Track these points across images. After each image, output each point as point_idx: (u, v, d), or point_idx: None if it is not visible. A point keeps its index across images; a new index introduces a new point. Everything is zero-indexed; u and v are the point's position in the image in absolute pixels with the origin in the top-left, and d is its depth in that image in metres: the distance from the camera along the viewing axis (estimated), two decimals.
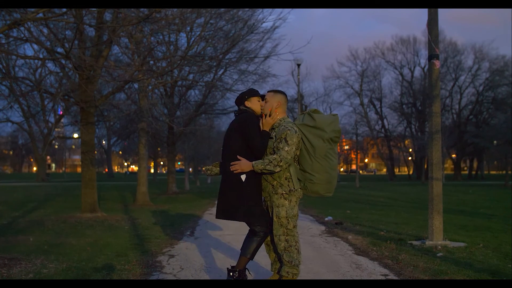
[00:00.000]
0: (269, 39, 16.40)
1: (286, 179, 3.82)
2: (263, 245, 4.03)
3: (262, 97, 4.09)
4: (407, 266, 5.04)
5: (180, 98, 19.12)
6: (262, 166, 3.71)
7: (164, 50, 13.21)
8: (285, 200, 3.80)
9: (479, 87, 45.61)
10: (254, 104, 4.07)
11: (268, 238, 3.96)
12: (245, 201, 3.84)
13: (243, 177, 3.85)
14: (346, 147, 52.42)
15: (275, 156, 3.70)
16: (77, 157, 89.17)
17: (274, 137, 3.82)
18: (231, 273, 3.94)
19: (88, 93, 9.68)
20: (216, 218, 4.02)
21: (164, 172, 57.59)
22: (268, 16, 42.28)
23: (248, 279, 4.12)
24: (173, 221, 9.46)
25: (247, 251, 3.92)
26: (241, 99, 4.10)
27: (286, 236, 3.78)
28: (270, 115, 3.90)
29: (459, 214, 11.10)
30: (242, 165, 3.77)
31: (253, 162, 3.75)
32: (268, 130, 3.89)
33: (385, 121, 49.46)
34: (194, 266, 5.08)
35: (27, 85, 10.84)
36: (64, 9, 6.30)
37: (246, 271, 4.11)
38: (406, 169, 66.26)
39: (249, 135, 3.86)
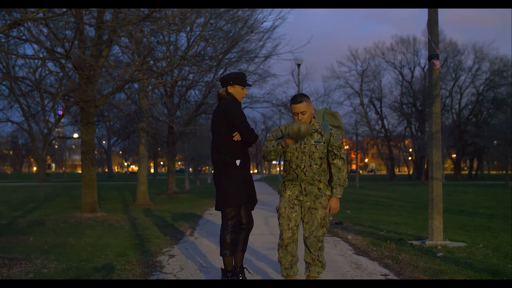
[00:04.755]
0: (269, 39, 16.50)
1: (327, 180, 3.84)
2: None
3: (245, 84, 4.06)
4: (407, 266, 5.04)
5: (180, 98, 19.11)
6: (344, 186, 3.78)
7: (164, 50, 13.21)
8: (326, 201, 3.80)
9: (479, 87, 45.62)
10: (236, 91, 4.03)
11: (285, 242, 3.74)
12: (234, 190, 3.94)
13: (238, 161, 3.93)
14: (346, 147, 52.35)
15: (344, 173, 3.77)
16: (77, 157, 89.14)
17: (321, 141, 3.72)
18: (225, 273, 3.96)
19: (88, 93, 9.68)
20: (215, 210, 4.10)
21: (164, 172, 57.60)
22: (268, 16, 42.30)
23: (247, 278, 4.13)
24: (173, 221, 9.46)
25: (225, 251, 3.95)
26: (225, 83, 4.05)
27: (323, 236, 3.79)
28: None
29: (459, 214, 11.10)
30: (333, 209, 3.79)
31: (336, 194, 3.76)
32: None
33: (385, 121, 49.48)
34: (194, 266, 5.08)
35: (27, 85, 10.85)
36: (64, 9, 6.29)
37: (245, 269, 4.11)
38: (406, 169, 66.26)
39: (235, 123, 3.90)
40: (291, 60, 25.85)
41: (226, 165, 3.95)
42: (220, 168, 4.00)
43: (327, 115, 4.09)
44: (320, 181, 3.76)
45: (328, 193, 3.78)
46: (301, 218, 3.81)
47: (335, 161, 3.78)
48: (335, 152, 3.77)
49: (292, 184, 3.82)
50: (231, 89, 4.03)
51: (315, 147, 3.73)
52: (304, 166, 3.72)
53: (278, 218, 3.82)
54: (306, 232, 3.77)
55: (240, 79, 4.03)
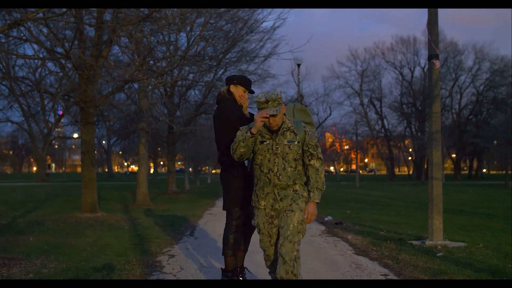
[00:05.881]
0: (269, 39, 16.45)
1: (304, 182, 3.46)
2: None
3: (248, 87, 4.02)
4: (407, 266, 5.04)
5: (180, 98, 19.11)
6: (322, 190, 3.39)
7: (164, 50, 13.20)
8: (304, 203, 3.41)
9: (479, 87, 45.68)
10: (238, 91, 4.01)
11: (271, 257, 3.47)
12: (240, 191, 3.91)
13: (245, 161, 3.88)
14: (346, 147, 52.45)
15: (322, 176, 3.38)
16: (77, 157, 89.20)
17: (295, 140, 3.37)
18: (225, 273, 3.97)
19: (88, 93, 9.67)
20: (222, 209, 4.09)
21: (164, 172, 57.61)
22: (268, 16, 42.37)
23: (247, 278, 4.13)
24: (173, 221, 9.46)
25: (227, 250, 3.96)
26: (229, 81, 4.06)
27: (299, 245, 3.31)
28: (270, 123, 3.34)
29: (459, 214, 11.10)
30: (311, 215, 3.37)
31: (314, 199, 3.36)
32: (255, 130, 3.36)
33: (385, 121, 49.50)
34: (194, 266, 5.08)
35: (27, 85, 10.83)
36: (64, 9, 6.30)
37: (245, 269, 4.12)
38: (406, 169, 66.26)
39: (233, 124, 3.82)
40: (291, 60, 25.90)
41: (231, 166, 3.93)
42: (226, 168, 3.98)
43: (297, 111, 3.78)
44: (295, 183, 3.39)
45: (305, 194, 3.40)
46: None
47: (311, 162, 3.39)
48: (312, 152, 3.39)
49: (263, 193, 3.42)
50: (233, 88, 4.02)
51: (289, 147, 3.34)
52: (278, 169, 3.34)
53: (259, 233, 3.50)
54: (281, 238, 3.30)
55: (245, 81, 4.03)
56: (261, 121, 3.26)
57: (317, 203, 3.38)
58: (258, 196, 3.46)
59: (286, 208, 3.36)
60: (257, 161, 3.43)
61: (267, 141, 3.38)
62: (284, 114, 3.44)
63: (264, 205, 3.43)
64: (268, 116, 3.23)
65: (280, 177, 3.35)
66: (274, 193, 3.38)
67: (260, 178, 3.43)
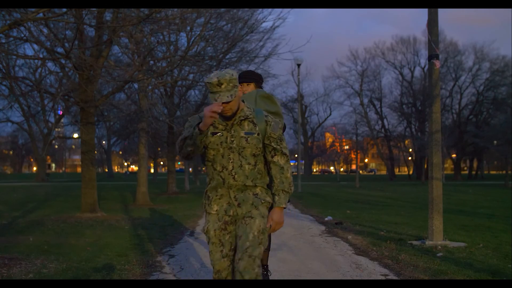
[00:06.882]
0: (269, 39, 16.48)
1: (266, 184, 2.87)
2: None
3: (245, 81, 3.68)
4: (407, 266, 5.04)
5: (180, 98, 19.12)
6: (289, 193, 2.83)
7: (164, 50, 13.21)
8: (267, 210, 2.83)
9: (479, 87, 45.64)
10: (240, 89, 3.82)
11: (222, 274, 2.80)
12: None
13: None
14: (346, 147, 52.45)
15: (288, 175, 2.82)
16: (77, 157, 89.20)
17: (254, 132, 2.77)
18: None
19: (88, 93, 9.68)
20: None
21: (164, 172, 57.62)
22: (268, 16, 42.41)
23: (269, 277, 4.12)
24: (173, 221, 9.46)
25: None
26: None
27: (260, 259, 2.74)
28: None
29: (459, 214, 11.09)
30: (277, 224, 2.81)
31: (280, 204, 2.79)
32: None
33: (385, 121, 49.50)
34: (194, 266, 5.08)
35: (27, 85, 10.85)
36: (64, 9, 6.30)
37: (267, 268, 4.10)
38: (406, 169, 66.26)
39: None
40: (291, 60, 25.94)
41: None
42: None
43: (260, 98, 3.31)
44: (255, 185, 2.79)
45: (268, 199, 2.81)
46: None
47: (275, 159, 2.80)
48: (274, 146, 2.79)
49: (217, 195, 2.82)
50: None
51: (246, 140, 2.74)
52: (233, 167, 2.74)
53: (208, 243, 2.83)
54: (239, 251, 2.70)
55: (242, 75, 3.76)
56: (211, 116, 2.60)
57: (284, 208, 2.82)
58: (210, 199, 2.84)
59: (245, 214, 2.76)
60: (209, 157, 2.81)
61: (221, 133, 2.76)
62: (243, 101, 2.85)
63: (216, 210, 2.81)
64: (220, 110, 2.61)
65: (235, 176, 2.75)
66: (230, 196, 2.79)
67: (213, 177, 2.81)
